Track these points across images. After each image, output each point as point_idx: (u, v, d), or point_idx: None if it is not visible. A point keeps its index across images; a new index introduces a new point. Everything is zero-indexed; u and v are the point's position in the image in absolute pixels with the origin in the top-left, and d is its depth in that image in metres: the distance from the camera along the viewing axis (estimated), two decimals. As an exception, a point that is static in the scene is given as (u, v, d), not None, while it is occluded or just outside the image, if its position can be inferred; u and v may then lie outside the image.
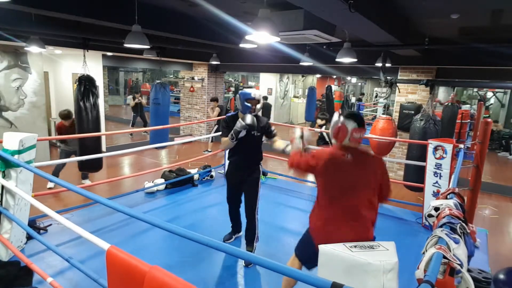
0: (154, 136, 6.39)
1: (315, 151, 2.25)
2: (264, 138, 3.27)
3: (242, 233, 3.65)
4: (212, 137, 7.87)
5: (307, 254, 2.26)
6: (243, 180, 3.25)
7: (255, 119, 2.96)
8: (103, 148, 7.55)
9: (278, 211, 4.59)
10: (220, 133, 3.32)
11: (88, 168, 5.14)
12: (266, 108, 10.49)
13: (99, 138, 5.19)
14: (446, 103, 7.59)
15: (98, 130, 5.11)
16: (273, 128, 3.23)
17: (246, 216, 3.26)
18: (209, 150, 8.26)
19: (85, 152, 4.64)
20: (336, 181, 2.11)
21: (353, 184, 2.07)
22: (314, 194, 2.26)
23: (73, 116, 5.16)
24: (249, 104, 3.03)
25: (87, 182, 5.42)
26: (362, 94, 17.42)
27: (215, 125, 8.09)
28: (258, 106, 3.08)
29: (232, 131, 2.93)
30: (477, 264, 2.98)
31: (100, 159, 5.02)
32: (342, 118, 2.10)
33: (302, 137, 2.48)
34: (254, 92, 3.07)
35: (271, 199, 4.74)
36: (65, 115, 5.24)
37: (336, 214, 2.08)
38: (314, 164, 2.17)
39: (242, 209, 3.46)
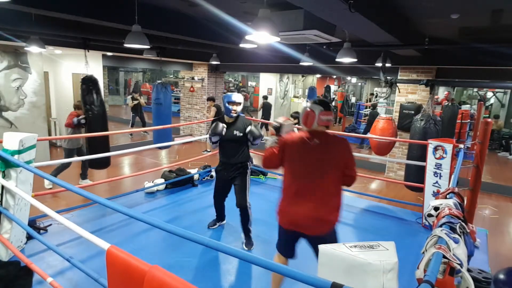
0: (157, 136, 6.38)
1: (282, 138, 2.33)
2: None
3: (226, 221, 4.03)
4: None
5: (280, 242, 2.35)
6: (228, 177, 3.48)
7: (221, 126, 3.32)
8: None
9: (278, 211, 4.59)
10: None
11: (97, 165, 5.16)
12: (267, 108, 10.52)
13: (107, 135, 5.21)
14: (445, 103, 7.60)
15: (106, 127, 5.14)
16: (257, 140, 3.39)
17: (238, 207, 3.41)
18: (208, 150, 8.25)
19: (95, 149, 4.74)
20: (303, 163, 2.19)
21: (318, 166, 2.15)
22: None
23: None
24: (229, 106, 3.37)
25: (87, 182, 5.41)
26: (372, 94, 16.87)
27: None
28: (238, 108, 3.38)
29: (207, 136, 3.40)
30: (477, 264, 2.98)
31: (108, 156, 5.02)
32: (309, 104, 2.22)
33: (279, 128, 2.45)
34: (235, 96, 3.40)
35: (271, 199, 4.74)
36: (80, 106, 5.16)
37: (299, 193, 2.17)
38: (282, 152, 2.27)
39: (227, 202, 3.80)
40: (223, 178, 3.53)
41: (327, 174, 2.15)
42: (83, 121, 4.94)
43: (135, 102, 10.04)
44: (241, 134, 3.37)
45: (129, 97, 11.43)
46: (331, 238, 2.18)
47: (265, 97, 10.97)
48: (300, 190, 2.17)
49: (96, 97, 4.90)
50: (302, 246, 3.68)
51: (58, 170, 5.17)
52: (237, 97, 3.39)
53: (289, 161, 2.26)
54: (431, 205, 1.90)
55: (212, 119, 7.71)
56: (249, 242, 3.50)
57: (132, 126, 10.05)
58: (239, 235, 3.59)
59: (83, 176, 5.51)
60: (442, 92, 11.31)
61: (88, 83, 4.83)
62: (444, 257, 1.26)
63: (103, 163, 5.11)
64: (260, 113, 10.76)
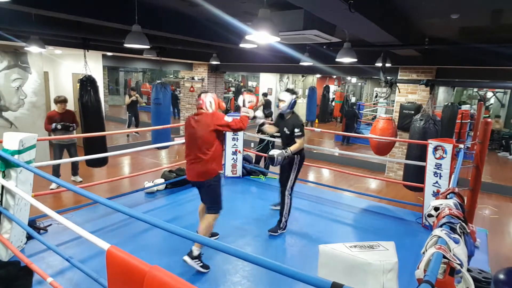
0: (156, 136, 6.38)
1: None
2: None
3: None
4: None
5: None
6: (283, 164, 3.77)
7: (261, 114, 3.82)
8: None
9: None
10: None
11: (94, 163, 5.27)
12: (267, 104, 10.71)
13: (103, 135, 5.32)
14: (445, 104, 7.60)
15: (102, 126, 5.25)
16: (296, 131, 3.60)
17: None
18: None
19: (92, 148, 4.87)
20: (186, 135, 3.12)
21: (193, 136, 3.01)
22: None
23: (67, 102, 5.29)
24: (277, 103, 3.90)
25: (76, 179, 5.63)
26: (376, 96, 15.95)
27: None
28: (281, 104, 3.70)
29: None
30: (477, 264, 2.98)
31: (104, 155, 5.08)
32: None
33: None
34: (281, 94, 3.76)
35: (271, 199, 4.74)
36: (62, 100, 5.19)
37: (187, 158, 3.10)
38: None
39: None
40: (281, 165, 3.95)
41: (199, 140, 2.97)
42: (59, 126, 5.06)
43: (132, 98, 9.67)
44: (288, 132, 3.64)
45: (127, 95, 11.06)
46: (210, 183, 3.06)
47: (264, 94, 11.12)
48: (188, 155, 3.09)
49: (94, 97, 4.97)
50: (303, 247, 3.68)
51: (56, 171, 5.18)
52: (282, 95, 3.75)
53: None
54: (431, 205, 1.90)
55: None
56: (274, 229, 3.77)
57: (129, 127, 9.71)
58: (239, 232, 3.58)
59: (74, 172, 5.65)
60: (442, 93, 11.28)
61: (86, 83, 4.87)
62: (444, 257, 1.26)
63: (100, 162, 5.23)
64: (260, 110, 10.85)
